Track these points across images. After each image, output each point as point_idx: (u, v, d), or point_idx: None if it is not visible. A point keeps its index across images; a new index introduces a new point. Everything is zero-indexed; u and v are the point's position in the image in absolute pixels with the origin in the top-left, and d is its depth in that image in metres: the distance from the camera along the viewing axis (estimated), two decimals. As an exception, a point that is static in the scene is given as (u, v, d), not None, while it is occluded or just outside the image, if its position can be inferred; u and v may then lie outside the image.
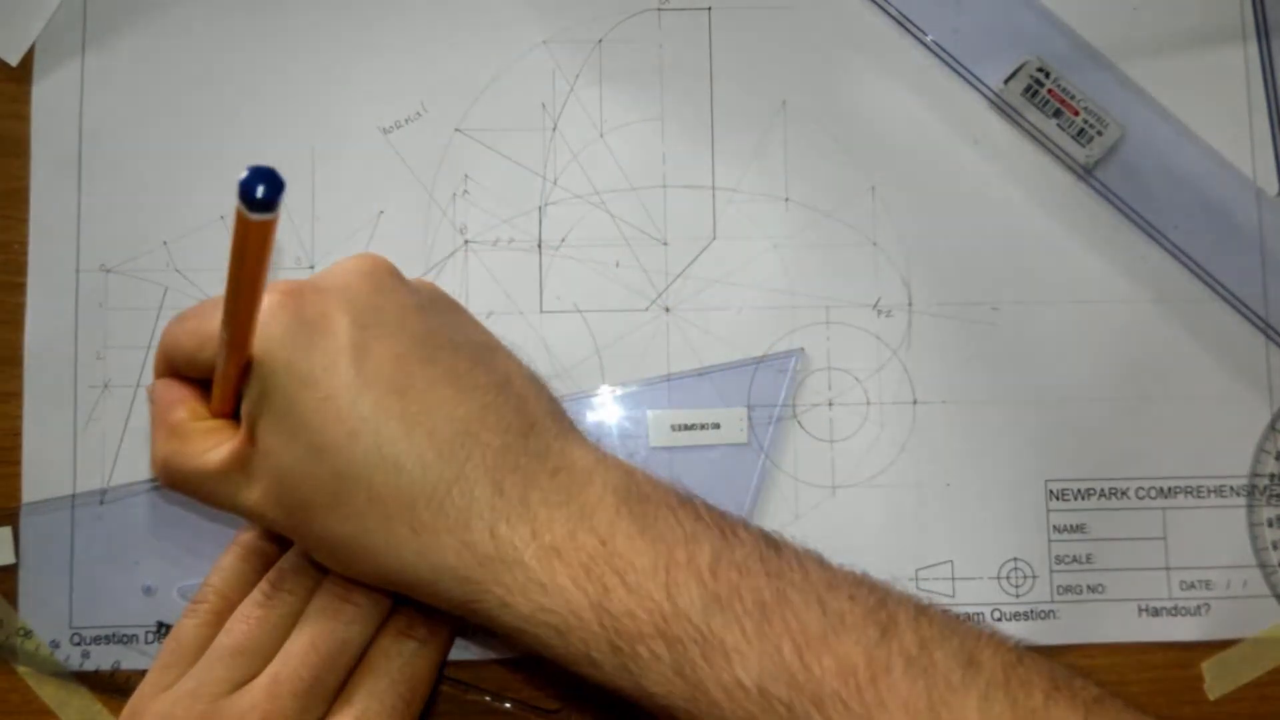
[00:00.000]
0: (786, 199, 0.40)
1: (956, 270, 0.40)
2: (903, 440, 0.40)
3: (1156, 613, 0.39)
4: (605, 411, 0.39)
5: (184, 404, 0.32)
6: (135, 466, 0.39)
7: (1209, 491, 0.40)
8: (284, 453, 0.30)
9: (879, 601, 0.30)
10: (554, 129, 0.40)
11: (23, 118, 0.40)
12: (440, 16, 0.41)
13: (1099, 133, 0.40)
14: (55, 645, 0.38)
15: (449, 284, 0.40)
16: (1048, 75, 0.40)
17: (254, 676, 0.31)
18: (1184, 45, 0.41)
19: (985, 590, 0.39)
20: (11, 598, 0.38)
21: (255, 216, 0.24)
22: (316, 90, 0.40)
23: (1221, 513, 0.39)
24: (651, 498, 0.31)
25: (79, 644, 0.38)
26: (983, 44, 0.41)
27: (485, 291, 0.40)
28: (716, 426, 0.39)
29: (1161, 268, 0.40)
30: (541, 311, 0.40)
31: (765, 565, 0.30)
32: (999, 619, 0.39)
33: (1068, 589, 0.39)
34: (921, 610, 0.30)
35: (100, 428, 0.39)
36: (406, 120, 0.40)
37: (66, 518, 0.39)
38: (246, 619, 0.32)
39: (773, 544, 0.31)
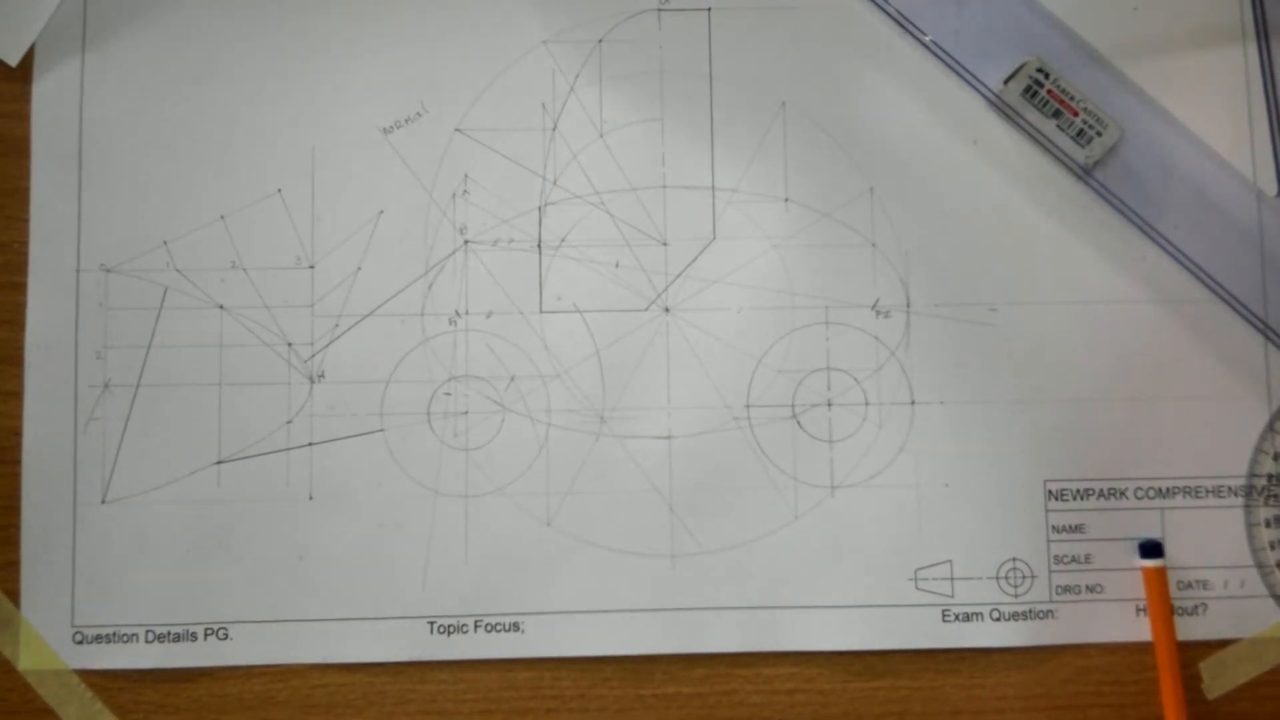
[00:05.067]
0: (786, 199, 0.40)
1: (954, 271, 0.40)
2: (901, 441, 0.40)
3: (1154, 613, 0.39)
4: (605, 411, 0.40)
5: None
6: (136, 466, 0.39)
7: (1207, 492, 0.40)
8: None
9: None
10: (554, 129, 0.40)
11: (23, 117, 0.40)
12: (440, 16, 0.41)
13: (1098, 133, 0.40)
14: (56, 644, 0.38)
15: (449, 284, 0.40)
16: (1047, 76, 0.40)
17: None
18: (1184, 45, 0.41)
19: (984, 590, 0.39)
20: (14, 596, 0.39)
21: None
22: (317, 90, 0.40)
23: (1219, 513, 0.40)
24: None
25: (80, 643, 0.38)
26: (982, 44, 0.41)
27: (485, 291, 0.40)
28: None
29: (1161, 268, 0.40)
30: (541, 311, 0.40)
31: None
32: (998, 619, 0.39)
33: (1066, 589, 0.39)
34: None
35: (101, 427, 0.39)
36: (407, 120, 0.40)
37: (68, 517, 0.39)
38: None
39: None
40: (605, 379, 0.40)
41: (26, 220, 0.39)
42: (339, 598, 0.39)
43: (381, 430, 0.39)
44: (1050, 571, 0.39)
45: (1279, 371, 0.40)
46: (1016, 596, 0.39)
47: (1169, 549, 0.39)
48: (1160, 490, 0.40)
